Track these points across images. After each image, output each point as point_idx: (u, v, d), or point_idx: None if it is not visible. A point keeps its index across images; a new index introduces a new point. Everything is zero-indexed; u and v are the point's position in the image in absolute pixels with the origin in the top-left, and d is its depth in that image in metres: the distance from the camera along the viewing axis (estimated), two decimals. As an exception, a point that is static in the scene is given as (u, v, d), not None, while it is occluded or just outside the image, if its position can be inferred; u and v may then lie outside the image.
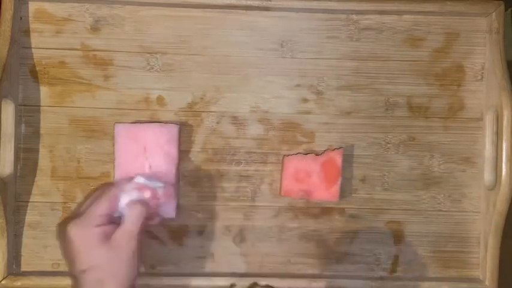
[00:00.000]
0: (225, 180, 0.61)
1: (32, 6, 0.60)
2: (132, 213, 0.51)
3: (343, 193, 0.61)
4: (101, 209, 0.51)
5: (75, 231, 0.49)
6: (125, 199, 0.52)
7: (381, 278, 0.61)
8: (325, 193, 0.59)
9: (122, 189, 0.53)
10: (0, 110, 0.56)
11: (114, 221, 0.52)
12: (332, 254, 0.62)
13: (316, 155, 0.60)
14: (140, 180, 0.54)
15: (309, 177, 0.59)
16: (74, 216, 0.52)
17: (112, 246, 0.49)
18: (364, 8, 0.61)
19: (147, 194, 0.53)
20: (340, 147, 0.60)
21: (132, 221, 0.51)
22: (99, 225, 0.50)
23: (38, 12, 0.60)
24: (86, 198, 0.55)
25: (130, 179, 0.54)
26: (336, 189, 0.59)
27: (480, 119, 0.62)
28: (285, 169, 0.59)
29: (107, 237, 0.50)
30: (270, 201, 0.61)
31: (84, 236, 0.49)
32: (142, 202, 0.53)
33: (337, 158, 0.59)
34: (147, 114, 0.61)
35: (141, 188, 0.53)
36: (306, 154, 0.60)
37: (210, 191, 0.61)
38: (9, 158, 0.57)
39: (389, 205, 0.62)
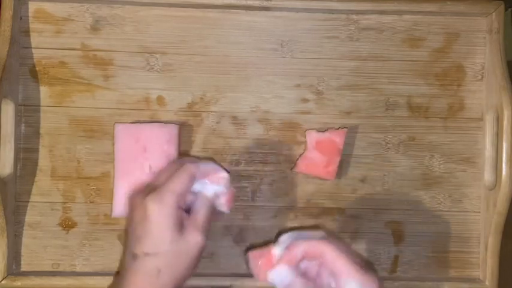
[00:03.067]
0: (225, 180, 0.61)
1: (32, 6, 0.60)
2: (206, 207, 0.49)
3: (343, 192, 0.61)
4: (182, 186, 0.47)
5: (156, 207, 0.46)
6: (198, 183, 0.50)
7: (381, 278, 0.61)
8: (322, 170, 0.59)
9: (201, 171, 0.50)
10: (0, 110, 0.56)
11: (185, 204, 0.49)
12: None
13: (319, 131, 0.60)
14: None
15: (307, 152, 0.60)
16: (151, 187, 0.48)
17: (184, 238, 0.46)
18: (364, 8, 0.61)
19: (219, 187, 0.50)
20: (344, 128, 0.60)
21: (204, 216, 0.48)
22: (179, 207, 0.46)
23: (38, 12, 0.60)
24: (162, 171, 0.52)
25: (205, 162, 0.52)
26: (333, 168, 0.59)
27: (480, 119, 0.62)
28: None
29: (181, 224, 0.46)
30: (270, 201, 0.61)
31: (164, 215, 0.46)
32: (212, 197, 0.50)
33: (337, 138, 0.59)
34: (147, 114, 0.61)
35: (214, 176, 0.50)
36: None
37: (210, 191, 0.61)
38: (9, 158, 0.57)
39: (389, 205, 0.62)
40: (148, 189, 0.48)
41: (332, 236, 0.47)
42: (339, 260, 0.44)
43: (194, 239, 0.47)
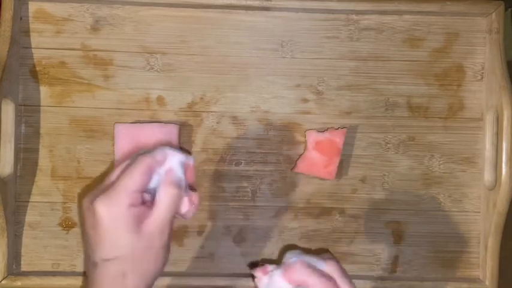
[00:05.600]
0: (225, 180, 0.61)
1: (32, 6, 0.60)
2: (167, 197, 0.44)
3: (343, 192, 0.61)
4: (134, 183, 0.43)
5: (105, 209, 0.42)
6: (158, 173, 0.45)
7: (381, 278, 0.61)
8: (322, 170, 0.60)
9: (157, 160, 0.45)
10: (0, 110, 0.56)
11: (145, 199, 0.44)
12: (332, 254, 0.62)
13: (319, 131, 0.60)
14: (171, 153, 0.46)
15: (307, 152, 0.60)
16: (101, 188, 0.44)
17: (144, 235, 0.42)
18: (364, 8, 0.61)
19: (181, 171, 0.45)
20: (344, 128, 0.61)
21: (166, 207, 0.43)
22: (133, 205, 0.42)
23: (38, 12, 0.60)
24: (116, 167, 0.47)
25: (162, 148, 0.46)
26: (333, 168, 0.59)
27: (480, 119, 0.62)
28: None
29: (139, 222, 0.42)
30: (270, 201, 0.61)
31: (115, 217, 0.42)
32: (177, 184, 0.45)
33: (337, 138, 0.59)
34: (147, 114, 0.61)
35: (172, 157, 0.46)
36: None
37: (210, 191, 0.61)
38: (9, 158, 0.57)
39: (389, 205, 0.62)
40: (98, 191, 0.44)
41: (339, 263, 0.46)
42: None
43: (157, 232, 0.43)
